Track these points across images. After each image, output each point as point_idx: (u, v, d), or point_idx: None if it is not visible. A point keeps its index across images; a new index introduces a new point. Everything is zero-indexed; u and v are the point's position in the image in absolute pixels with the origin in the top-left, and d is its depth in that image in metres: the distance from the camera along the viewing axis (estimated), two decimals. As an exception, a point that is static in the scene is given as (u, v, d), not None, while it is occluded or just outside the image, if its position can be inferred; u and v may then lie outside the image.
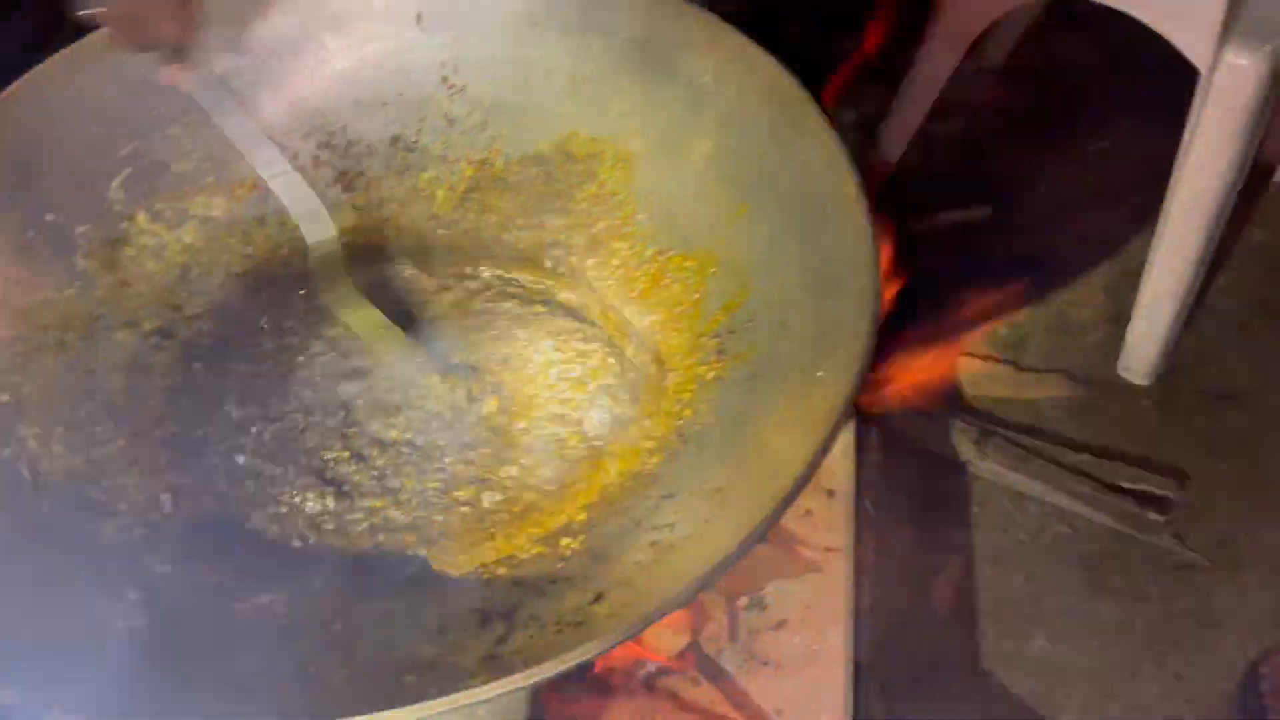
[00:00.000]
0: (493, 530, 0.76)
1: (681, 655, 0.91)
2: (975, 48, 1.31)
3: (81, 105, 0.84)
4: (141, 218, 0.86)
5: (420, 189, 0.92)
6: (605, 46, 0.89)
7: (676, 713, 0.88)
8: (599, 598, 0.67)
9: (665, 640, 0.91)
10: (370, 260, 0.89)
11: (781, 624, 0.93)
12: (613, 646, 0.61)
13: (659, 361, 0.81)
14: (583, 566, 0.72)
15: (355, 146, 0.92)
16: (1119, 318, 1.25)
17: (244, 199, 0.89)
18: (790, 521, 0.98)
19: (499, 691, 0.60)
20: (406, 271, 0.88)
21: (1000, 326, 1.30)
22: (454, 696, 0.60)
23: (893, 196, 1.34)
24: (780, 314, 0.77)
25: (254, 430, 0.81)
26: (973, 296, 1.28)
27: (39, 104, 0.82)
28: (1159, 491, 1.17)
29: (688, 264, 0.84)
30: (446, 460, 0.79)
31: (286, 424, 0.81)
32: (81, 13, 0.73)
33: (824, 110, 0.79)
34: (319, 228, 0.83)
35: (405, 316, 0.86)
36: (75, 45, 0.82)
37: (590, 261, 0.88)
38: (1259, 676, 1.03)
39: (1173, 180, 1.13)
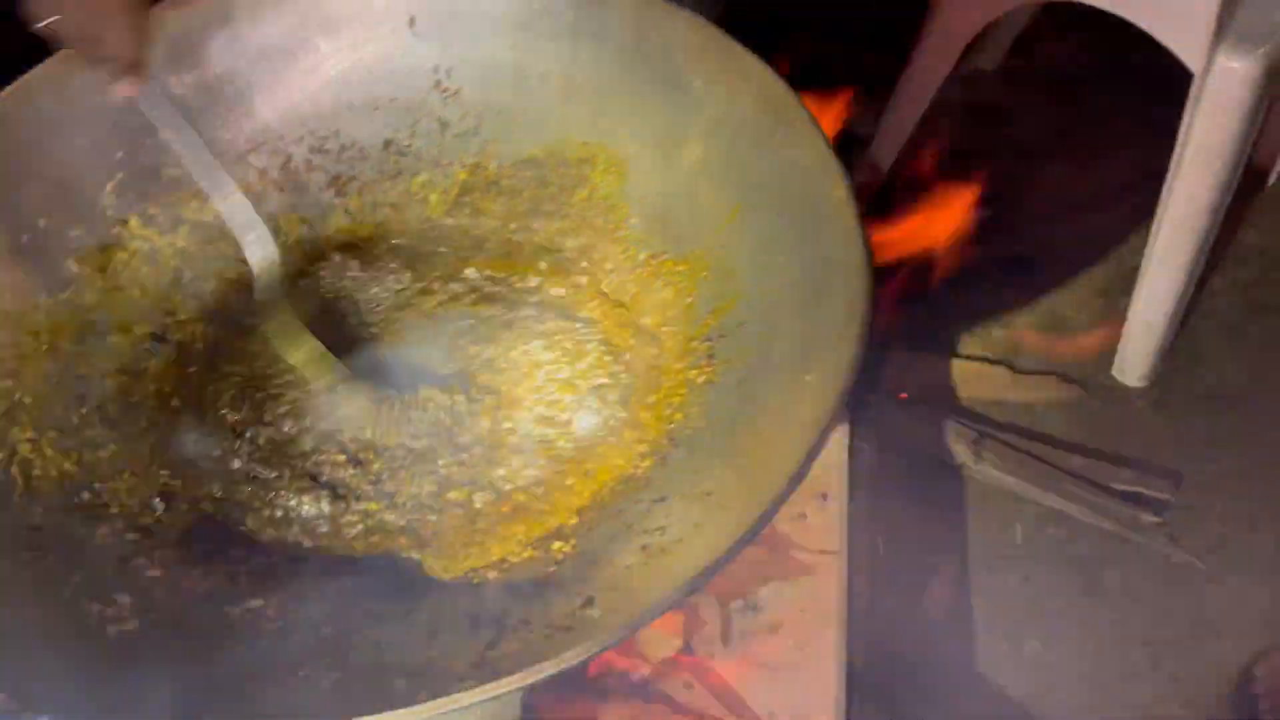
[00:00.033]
0: (485, 533, 0.76)
1: (675, 658, 0.91)
2: (970, 50, 1.31)
3: (73, 111, 0.84)
4: (134, 222, 0.87)
5: (413, 193, 0.92)
6: (597, 51, 0.89)
7: (670, 715, 0.88)
8: (589, 602, 0.68)
9: (659, 643, 0.91)
10: (360, 264, 0.89)
11: (775, 627, 0.93)
12: (601, 651, 0.61)
13: (650, 365, 0.82)
14: (574, 570, 0.72)
15: (348, 150, 0.92)
16: (1114, 320, 1.25)
17: (237, 203, 0.89)
18: (784, 524, 0.98)
19: (488, 696, 0.60)
20: (393, 276, 0.88)
21: (995, 329, 1.30)
22: (443, 700, 0.60)
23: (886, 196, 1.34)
24: (770, 318, 0.77)
25: (248, 434, 0.81)
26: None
27: (31, 110, 0.82)
28: (1154, 493, 1.17)
29: (679, 268, 0.84)
30: (440, 463, 0.79)
31: (281, 428, 0.81)
32: (37, 26, 0.73)
33: (814, 115, 0.79)
34: (264, 253, 0.82)
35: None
36: (67, 51, 0.83)
37: (583, 265, 0.88)
38: (1253, 678, 1.03)
39: (1167, 182, 1.13)
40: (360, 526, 0.77)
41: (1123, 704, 1.06)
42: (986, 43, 1.47)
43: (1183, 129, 1.09)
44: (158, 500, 0.77)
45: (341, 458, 0.79)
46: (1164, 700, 1.06)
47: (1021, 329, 1.30)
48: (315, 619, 0.71)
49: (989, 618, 1.10)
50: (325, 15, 0.91)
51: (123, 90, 0.77)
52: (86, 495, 0.76)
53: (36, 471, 0.76)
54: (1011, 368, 1.27)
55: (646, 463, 0.77)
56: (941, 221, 1.29)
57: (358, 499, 0.78)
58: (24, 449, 0.77)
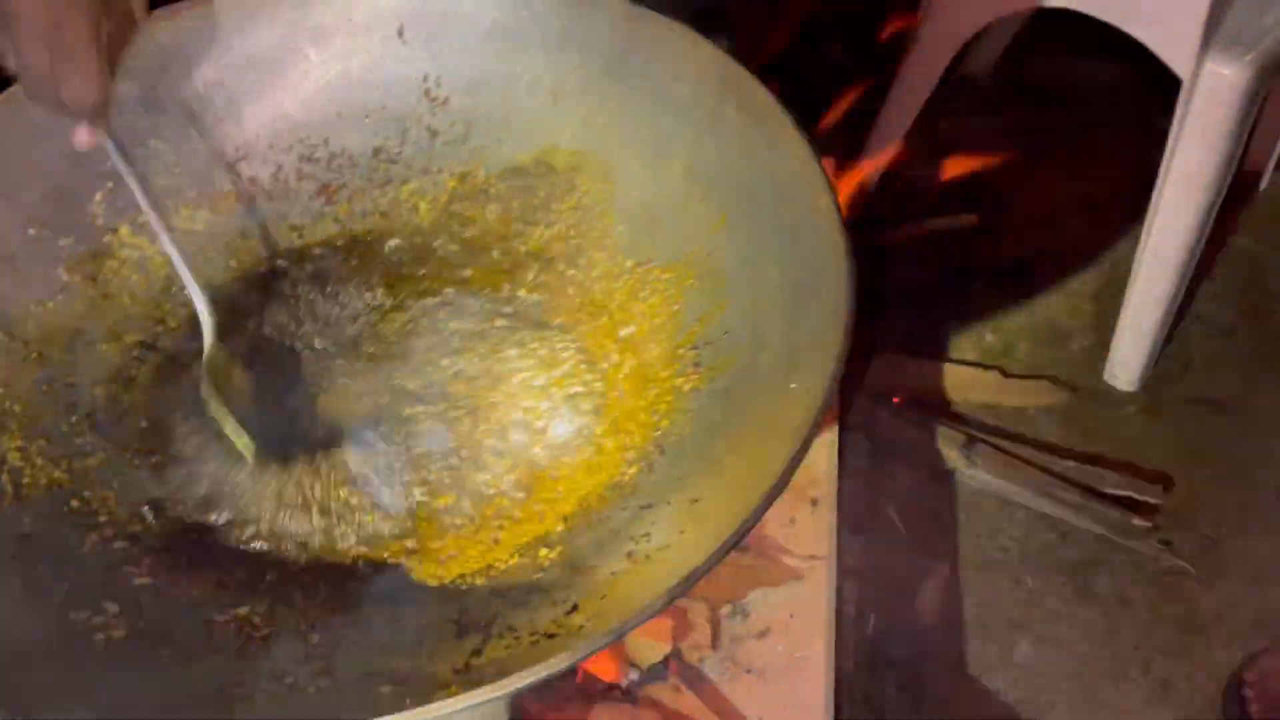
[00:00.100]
0: (472, 539, 0.76)
1: (664, 663, 0.91)
2: (962, 56, 1.31)
3: (64, 120, 0.84)
4: (124, 231, 0.87)
5: (402, 201, 0.92)
6: (585, 60, 0.89)
7: (659, 721, 0.89)
8: (574, 608, 0.68)
9: (648, 648, 0.91)
10: (349, 275, 0.89)
11: (764, 632, 0.93)
12: (585, 657, 0.61)
13: (636, 373, 0.82)
14: (560, 577, 0.72)
15: (337, 159, 0.92)
16: (1105, 324, 1.26)
17: (226, 212, 0.90)
18: (774, 530, 0.98)
19: (473, 702, 0.60)
20: (369, 292, 0.88)
21: (987, 333, 1.31)
22: (429, 707, 0.60)
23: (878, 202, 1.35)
24: (756, 326, 0.77)
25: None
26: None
27: (20, 118, 0.83)
28: (1145, 497, 1.17)
29: (665, 275, 0.85)
30: (430, 471, 0.79)
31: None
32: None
33: (800, 123, 0.79)
34: (205, 318, 0.81)
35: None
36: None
37: (570, 272, 0.88)
38: (1243, 682, 1.04)
39: (1157, 187, 1.13)
40: (353, 538, 0.77)
41: (1113, 707, 1.06)
42: (978, 49, 1.47)
43: (1172, 134, 1.10)
44: (147, 509, 0.78)
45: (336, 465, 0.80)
46: (1154, 703, 1.06)
47: (1013, 334, 1.31)
48: (302, 627, 0.71)
49: (979, 621, 1.10)
50: (314, 25, 0.92)
51: (80, 139, 0.75)
52: (75, 503, 0.77)
53: (25, 479, 0.76)
54: (1003, 372, 1.27)
55: (633, 469, 0.77)
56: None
57: (351, 509, 0.78)
58: (13, 457, 0.77)
